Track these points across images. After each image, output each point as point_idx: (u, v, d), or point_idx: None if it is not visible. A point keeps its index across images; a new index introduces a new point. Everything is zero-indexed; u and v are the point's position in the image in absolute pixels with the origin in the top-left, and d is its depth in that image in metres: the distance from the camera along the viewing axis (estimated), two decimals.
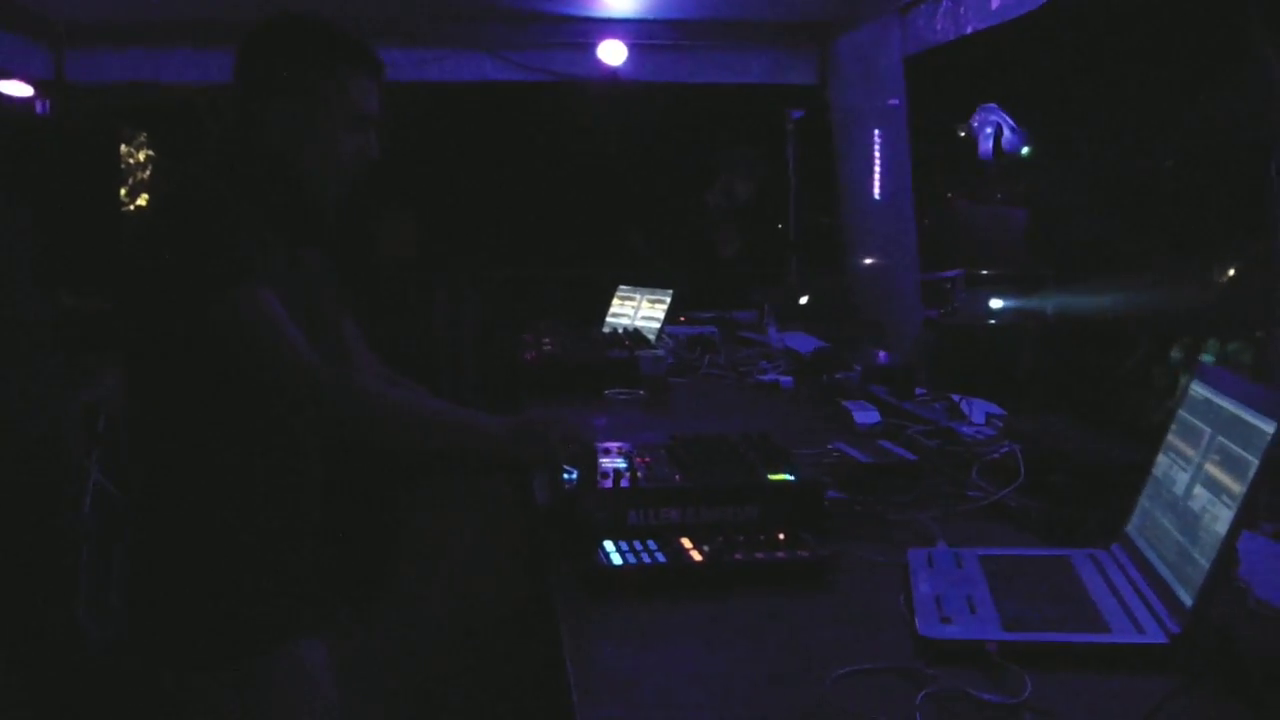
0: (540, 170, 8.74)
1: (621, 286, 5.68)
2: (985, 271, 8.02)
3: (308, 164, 2.50)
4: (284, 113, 2.47)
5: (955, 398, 3.80)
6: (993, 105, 8.90)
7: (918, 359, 4.64)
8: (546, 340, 4.85)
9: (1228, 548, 1.91)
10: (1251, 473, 1.89)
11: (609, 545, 2.35)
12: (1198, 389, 2.24)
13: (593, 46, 7.57)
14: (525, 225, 8.80)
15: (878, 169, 7.46)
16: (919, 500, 2.81)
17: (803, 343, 5.23)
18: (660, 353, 4.43)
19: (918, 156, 7.68)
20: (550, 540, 2.54)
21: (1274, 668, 1.80)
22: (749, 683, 1.87)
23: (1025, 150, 8.78)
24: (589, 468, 2.60)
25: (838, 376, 4.21)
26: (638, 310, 5.46)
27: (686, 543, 2.37)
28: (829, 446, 3.17)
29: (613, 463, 2.71)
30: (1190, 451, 2.17)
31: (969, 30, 5.78)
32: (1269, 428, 1.88)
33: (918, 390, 4.12)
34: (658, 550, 2.34)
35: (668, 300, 5.34)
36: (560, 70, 7.64)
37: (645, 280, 5.59)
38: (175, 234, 2.35)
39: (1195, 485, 2.09)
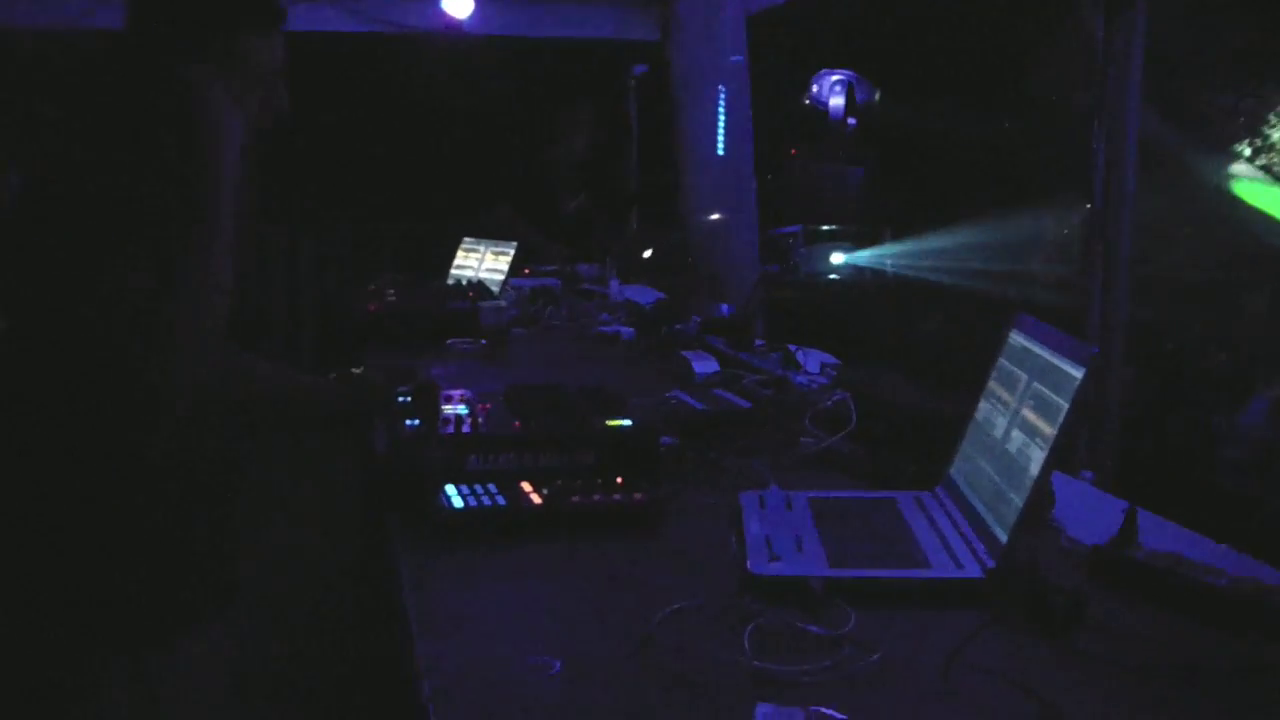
0: (384, 124, 8.64)
1: (466, 239, 5.67)
2: (825, 228, 8.15)
3: None
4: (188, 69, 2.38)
5: (792, 348, 3.89)
6: (831, 69, 9.01)
7: (755, 312, 4.70)
8: (390, 292, 4.84)
9: (1039, 487, 2.01)
10: (1062, 416, 1.99)
11: (450, 489, 2.38)
12: (1016, 338, 2.34)
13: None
14: (368, 179, 8.70)
15: (721, 126, 7.53)
16: (752, 446, 2.88)
17: (643, 295, 5.28)
18: (502, 304, 4.46)
19: (764, 117, 7.76)
20: (390, 487, 2.56)
21: (1074, 601, 1.90)
22: (584, 617, 1.93)
23: (878, 96, 8.89)
24: (431, 414, 2.63)
25: (676, 327, 4.28)
26: (481, 262, 5.46)
27: (526, 486, 2.41)
28: (667, 395, 3.22)
29: (454, 410, 2.73)
30: (1008, 397, 2.27)
31: None
32: (1078, 373, 1.98)
33: (756, 341, 4.20)
34: (498, 493, 2.37)
35: (511, 253, 5.35)
36: (404, 22, 7.56)
37: (491, 234, 5.60)
38: None
39: (1012, 429, 2.19)
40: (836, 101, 8.61)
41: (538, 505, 2.35)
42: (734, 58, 7.57)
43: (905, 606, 1.97)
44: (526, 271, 6.16)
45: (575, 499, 2.37)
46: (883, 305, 8.07)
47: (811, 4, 6.27)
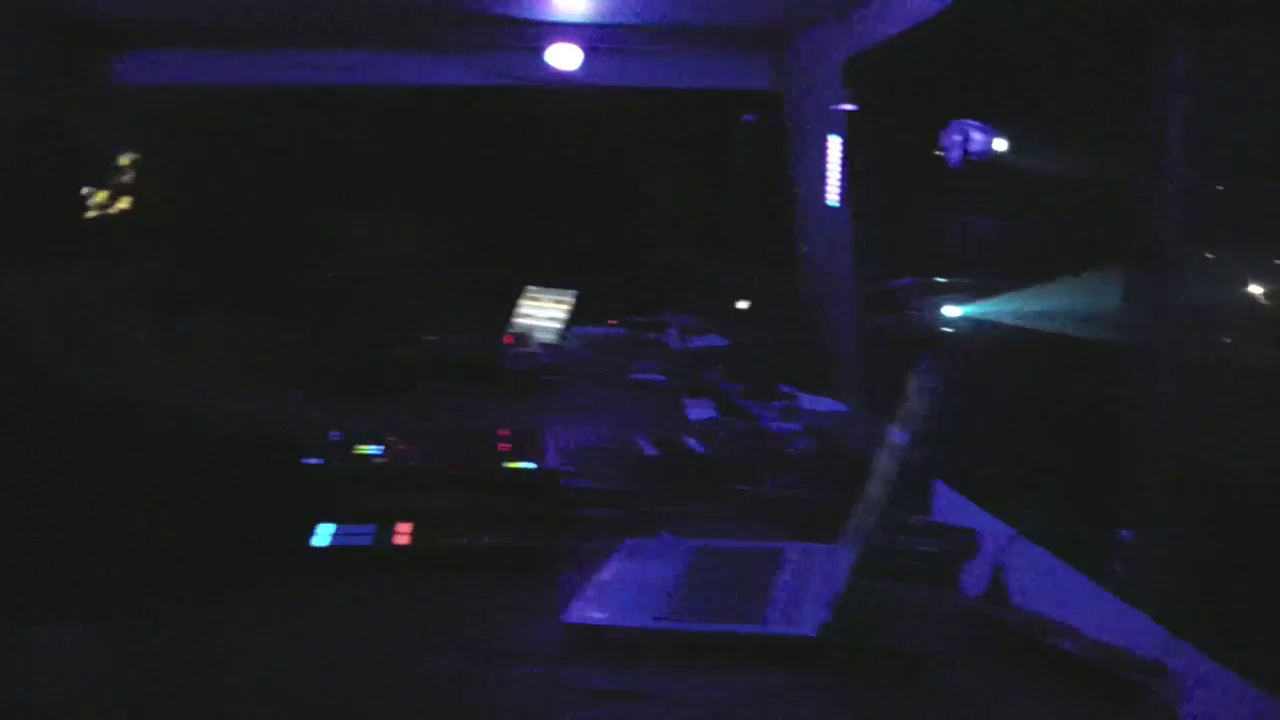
0: (491, 175, 8.68)
1: (529, 287, 5.64)
2: (940, 280, 7.91)
3: None
4: None
5: (801, 396, 3.75)
6: (963, 120, 8.83)
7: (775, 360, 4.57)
8: (434, 338, 4.85)
9: (870, 543, 1.86)
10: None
11: (328, 527, 2.32)
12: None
13: (542, 50, 7.52)
14: (474, 229, 8.75)
15: (829, 175, 7.38)
16: (688, 493, 2.76)
17: (709, 343, 5.19)
18: (533, 350, 4.43)
19: (896, 164, 7.59)
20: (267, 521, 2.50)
21: (905, 663, 1.75)
22: (359, 663, 1.83)
23: (998, 146, 8.65)
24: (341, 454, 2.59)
25: (703, 375, 4.17)
26: (543, 310, 5.43)
27: (405, 527, 2.33)
28: (628, 439, 3.12)
29: (370, 449, 2.67)
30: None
31: (895, 31, 5.69)
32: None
33: (781, 388, 4.08)
34: (368, 533, 2.30)
35: (570, 300, 5.30)
36: (514, 73, 7.60)
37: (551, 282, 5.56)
38: None
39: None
40: (955, 153, 8.42)
41: (403, 547, 2.26)
42: (841, 105, 7.41)
43: (737, 663, 1.82)
44: (613, 322, 6.11)
45: (444, 541, 2.28)
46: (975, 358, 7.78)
47: (933, 42, 6.05)
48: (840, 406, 3.68)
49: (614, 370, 4.74)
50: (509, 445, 2.67)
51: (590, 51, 7.60)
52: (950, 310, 7.94)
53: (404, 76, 7.62)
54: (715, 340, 5.14)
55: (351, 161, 8.42)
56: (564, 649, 1.85)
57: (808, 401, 3.67)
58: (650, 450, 2.94)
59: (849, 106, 7.69)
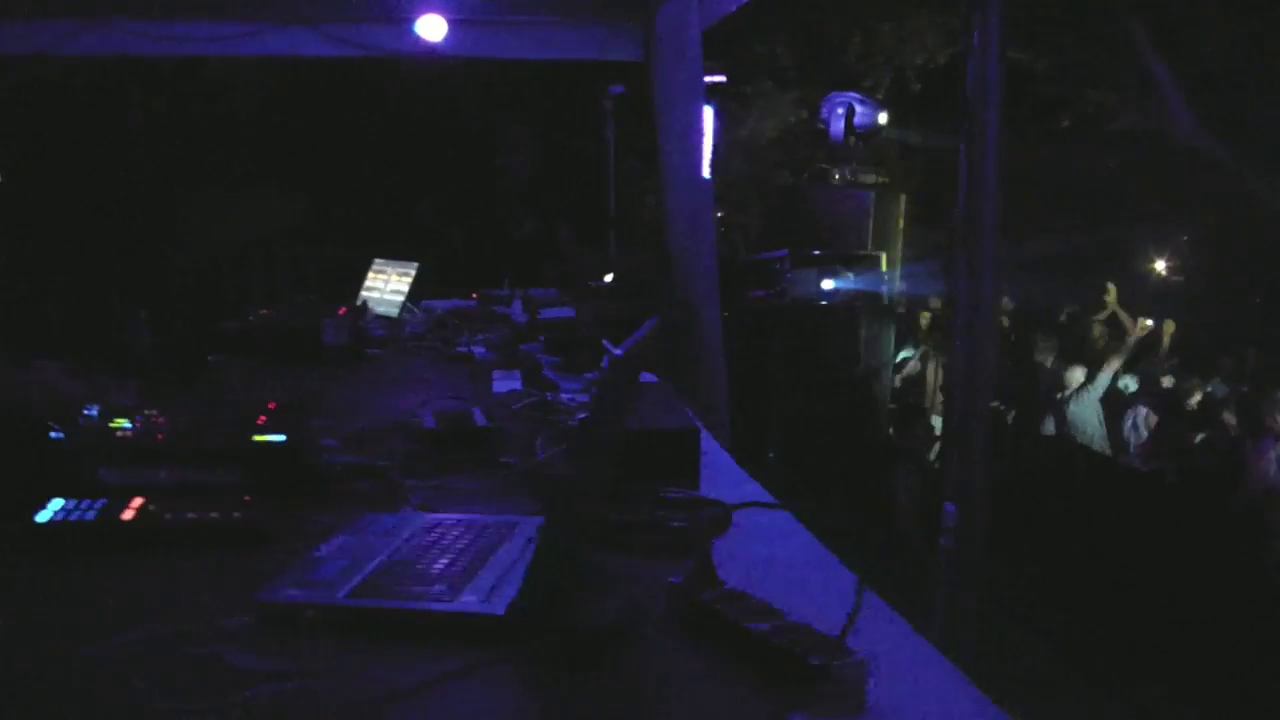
0: (353, 148, 8.57)
1: (376, 260, 5.56)
2: (815, 252, 7.91)
3: None
4: None
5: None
6: (844, 93, 8.85)
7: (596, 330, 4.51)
8: (263, 311, 4.74)
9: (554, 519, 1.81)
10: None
11: (56, 502, 2.23)
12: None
13: (410, 21, 7.42)
14: (331, 205, 8.65)
15: (699, 147, 7.34)
16: (456, 466, 2.70)
17: (558, 316, 5.12)
18: (364, 323, 4.35)
19: (775, 137, 7.59)
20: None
21: (585, 641, 1.69)
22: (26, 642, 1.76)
23: (882, 119, 8.68)
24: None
25: (523, 348, 4.11)
26: (387, 284, 5.35)
27: (137, 502, 2.25)
28: (418, 411, 3.06)
29: (124, 424, 2.58)
30: None
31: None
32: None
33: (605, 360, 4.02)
34: (94, 508, 2.21)
35: (413, 274, 5.23)
36: (379, 45, 7.49)
37: (395, 254, 5.49)
38: None
39: None
40: (837, 125, 8.41)
41: (127, 522, 2.18)
42: (716, 77, 7.37)
43: (423, 643, 1.76)
44: (474, 296, 6.06)
45: (168, 516, 2.20)
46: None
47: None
48: (652, 379, 3.61)
49: (442, 343, 4.67)
50: (266, 419, 2.59)
51: (457, 23, 7.52)
52: (826, 283, 7.96)
53: (267, 48, 7.49)
54: (565, 313, 5.08)
55: (207, 135, 8.28)
56: (252, 628, 1.77)
57: None
58: (429, 423, 2.87)
59: (718, 78, 7.66)
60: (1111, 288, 11.19)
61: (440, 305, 5.45)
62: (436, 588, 1.88)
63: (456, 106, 7.98)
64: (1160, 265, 17.28)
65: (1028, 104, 11.92)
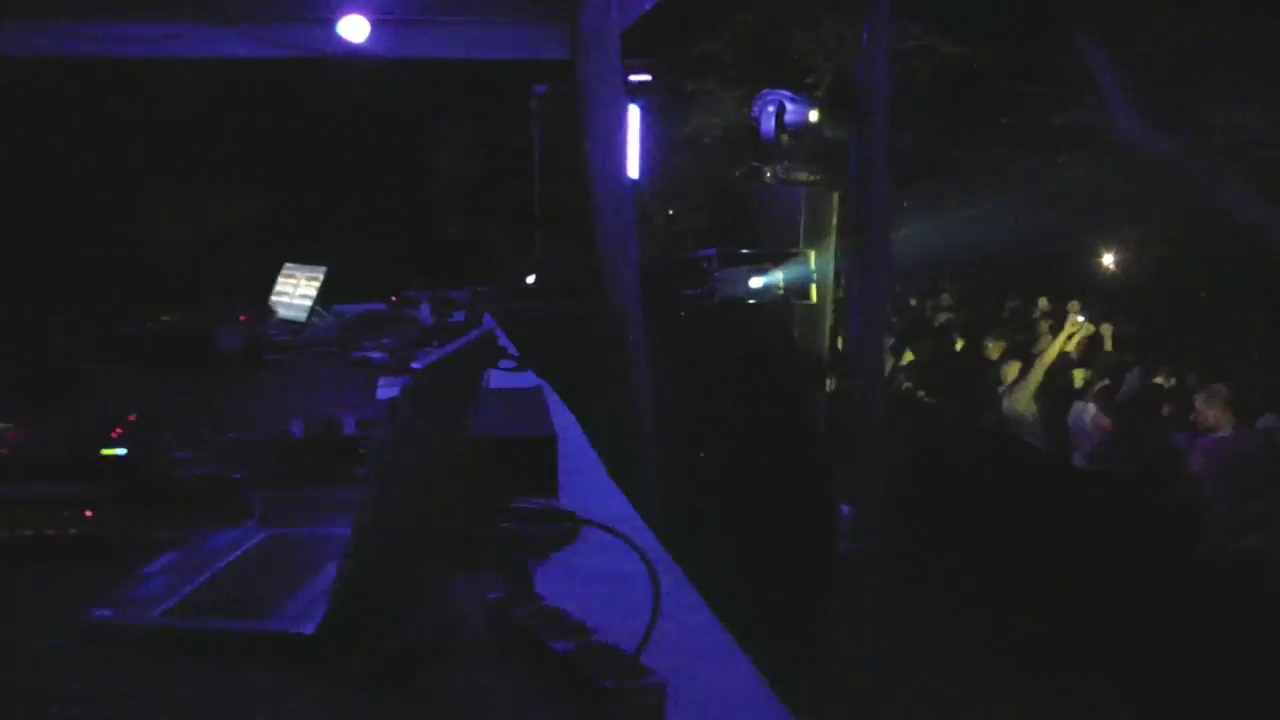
0: (277, 150, 8.49)
1: (286, 265, 5.50)
2: (745, 250, 7.89)
3: None
4: None
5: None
6: (775, 90, 8.81)
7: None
8: (165, 318, 4.68)
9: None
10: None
11: None
12: None
13: (334, 22, 7.36)
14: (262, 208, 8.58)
15: (624, 147, 7.32)
16: (316, 476, 2.66)
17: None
18: (261, 329, 4.31)
19: (721, 135, 7.57)
20: None
21: (403, 658, 1.67)
22: None
23: (813, 117, 8.64)
24: None
25: (419, 353, 4.07)
26: (296, 288, 5.29)
27: None
28: (291, 420, 3.01)
29: None
30: None
31: None
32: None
33: (503, 363, 4.01)
34: None
35: (320, 278, 5.18)
36: (303, 45, 7.43)
37: (320, 256, 5.43)
38: None
39: None
40: (767, 123, 8.39)
41: None
42: (640, 76, 7.34)
43: (236, 662, 1.72)
44: (394, 299, 6.01)
45: (2, 532, 2.16)
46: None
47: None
48: (534, 382, 3.60)
49: (340, 348, 4.62)
50: (121, 431, 2.55)
51: (381, 23, 7.46)
52: (754, 281, 7.94)
53: (190, 49, 7.42)
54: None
55: (122, 138, 8.19)
56: (68, 647, 1.74)
57: (496, 378, 3.58)
58: (298, 433, 2.83)
59: (644, 76, 7.64)
60: (1075, 304, 11.25)
61: (352, 309, 5.40)
62: (255, 606, 1.85)
63: (384, 108, 7.92)
64: (1109, 261, 17.36)
65: (968, 100, 11.97)
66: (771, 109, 8.62)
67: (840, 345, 8.82)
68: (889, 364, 10.23)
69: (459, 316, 5.15)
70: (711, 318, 7.65)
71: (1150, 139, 12.31)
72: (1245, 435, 7.25)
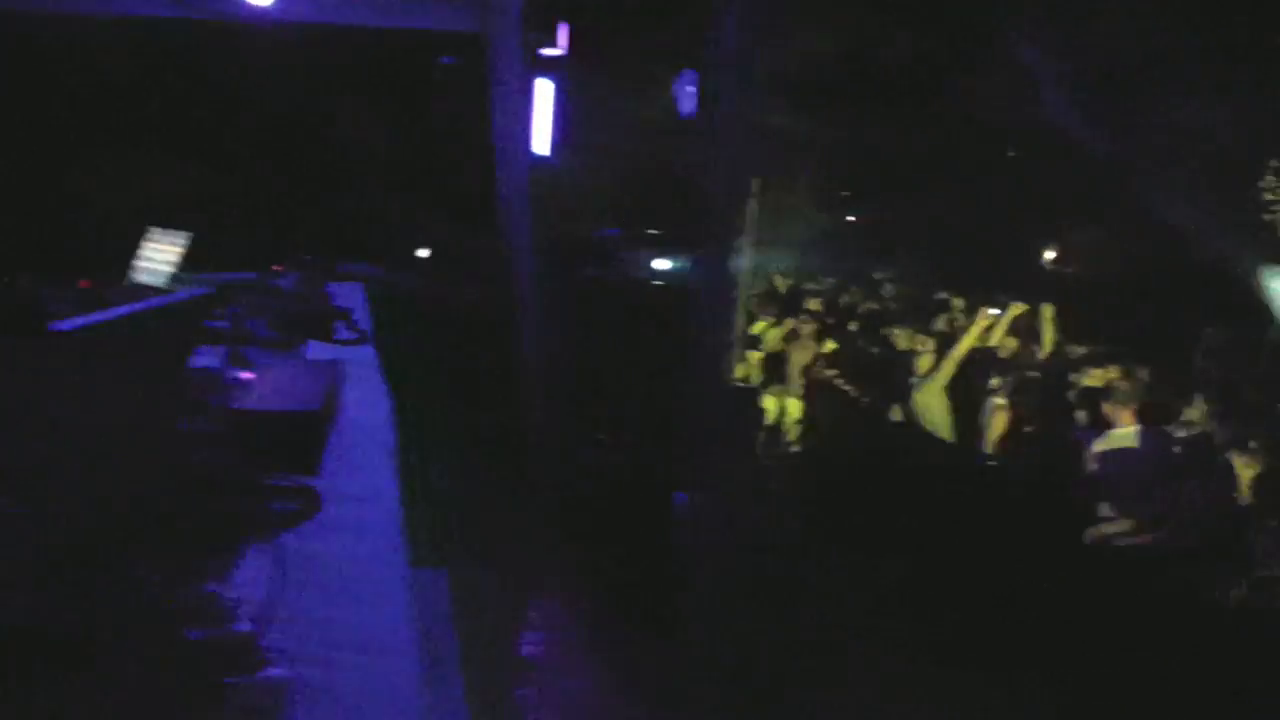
0: (174, 115, 8.30)
1: (151, 230, 5.36)
2: (650, 231, 7.81)
3: None
4: None
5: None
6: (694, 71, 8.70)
7: (324, 305, 4.39)
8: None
9: None
10: None
11: None
12: None
13: None
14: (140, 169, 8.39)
15: (534, 122, 7.20)
16: None
17: (341, 290, 4.99)
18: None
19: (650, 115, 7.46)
20: None
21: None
22: None
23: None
24: None
25: (248, 323, 3.97)
26: (159, 255, 5.16)
27: None
28: None
29: None
30: None
31: None
32: None
33: (343, 334, 3.94)
34: None
35: (181, 245, 5.06)
36: (204, 5, 7.25)
37: (181, 227, 5.30)
38: None
39: None
40: (685, 104, 8.29)
41: None
42: (551, 50, 7.22)
43: None
44: (277, 268, 5.90)
45: None
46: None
47: None
48: (363, 357, 3.50)
49: None
50: None
51: None
52: (659, 263, 7.86)
53: (89, 5, 7.23)
54: (354, 285, 4.95)
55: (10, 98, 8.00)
56: None
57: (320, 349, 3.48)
58: None
59: (555, 50, 7.52)
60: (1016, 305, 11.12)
61: (224, 277, 5.27)
62: None
63: (289, 74, 7.75)
64: (1048, 255, 17.33)
65: (898, 91, 11.89)
66: (691, 89, 8.52)
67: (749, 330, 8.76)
68: (810, 352, 10.14)
69: (335, 287, 5.04)
70: (613, 298, 7.57)
71: (1088, 137, 12.26)
72: (1141, 436, 7.20)
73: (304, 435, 2.45)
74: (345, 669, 1.60)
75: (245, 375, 2.99)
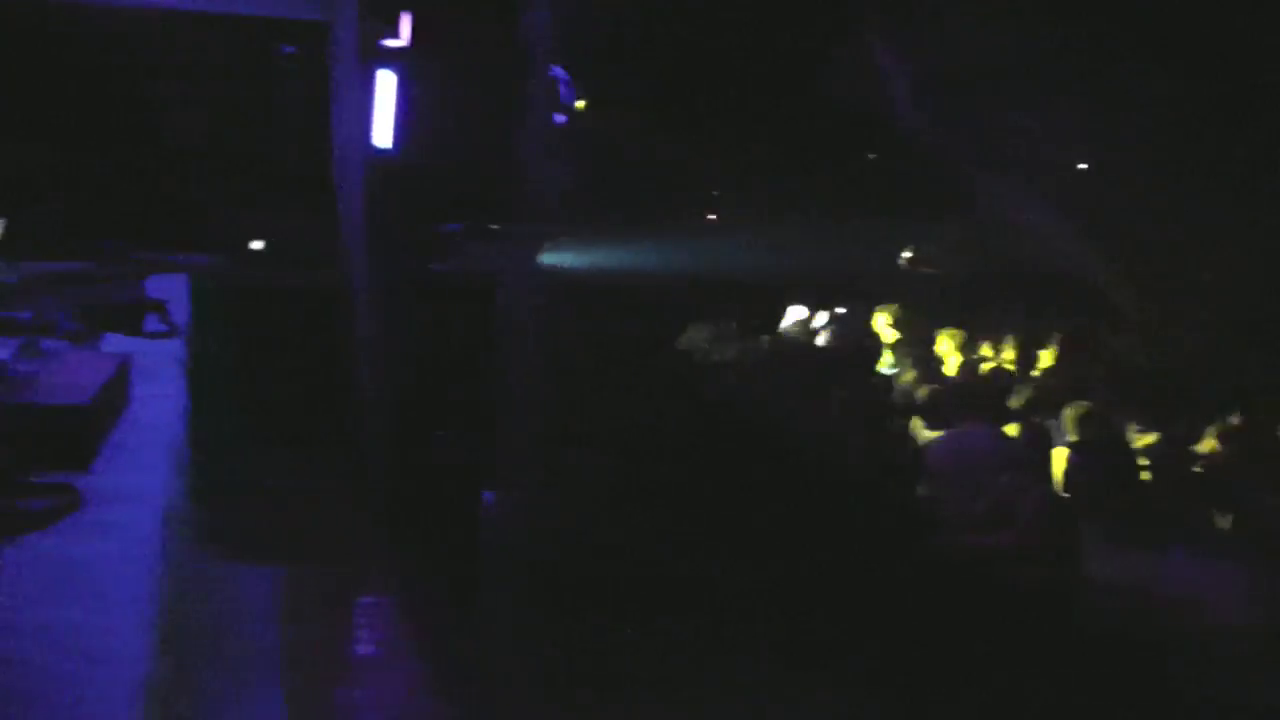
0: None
1: None
2: (493, 225, 7.73)
3: None
4: None
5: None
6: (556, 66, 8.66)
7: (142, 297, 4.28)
8: None
9: None
10: None
11: None
12: None
13: None
14: None
15: (375, 114, 7.10)
16: None
17: (160, 284, 4.85)
18: None
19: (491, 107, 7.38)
20: None
21: None
22: None
23: (579, 103, 8.54)
24: None
25: (56, 316, 3.84)
26: None
27: None
28: None
29: None
30: None
31: None
32: None
33: (155, 327, 3.83)
34: None
35: None
36: None
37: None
38: None
39: None
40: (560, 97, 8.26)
41: None
42: (393, 39, 7.13)
43: None
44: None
45: None
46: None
47: None
48: (170, 352, 3.40)
49: None
50: None
51: None
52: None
53: None
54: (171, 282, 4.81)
55: None
56: None
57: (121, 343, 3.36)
58: None
59: (398, 41, 7.41)
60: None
61: (52, 267, 5.09)
62: None
63: (120, 57, 7.50)
64: (905, 256, 17.51)
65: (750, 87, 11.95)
66: (565, 86, 8.51)
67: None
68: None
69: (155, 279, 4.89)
70: (453, 292, 7.46)
71: (937, 140, 12.46)
72: (976, 434, 7.32)
73: (72, 431, 2.35)
74: (61, 678, 1.52)
75: (27, 368, 2.87)
